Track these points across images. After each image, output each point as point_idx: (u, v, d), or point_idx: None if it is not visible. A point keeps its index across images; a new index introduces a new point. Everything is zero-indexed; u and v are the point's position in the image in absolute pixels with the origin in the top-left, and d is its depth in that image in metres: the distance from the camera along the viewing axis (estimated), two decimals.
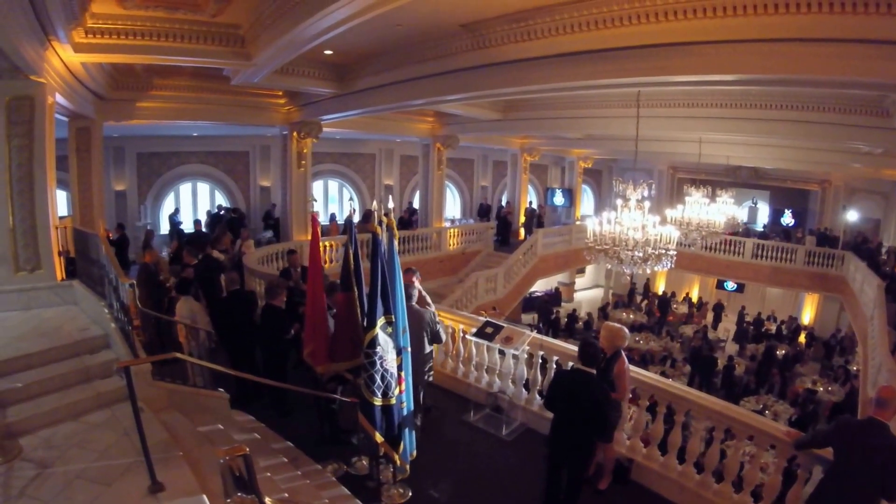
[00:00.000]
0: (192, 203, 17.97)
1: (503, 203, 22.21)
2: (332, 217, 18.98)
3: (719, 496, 4.87)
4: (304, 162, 13.76)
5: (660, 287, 23.07)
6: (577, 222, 21.01)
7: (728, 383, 14.72)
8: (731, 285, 22.00)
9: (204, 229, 14.45)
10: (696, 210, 11.39)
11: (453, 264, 16.55)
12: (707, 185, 13.07)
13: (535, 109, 13.07)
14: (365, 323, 4.46)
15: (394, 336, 4.44)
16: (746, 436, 4.90)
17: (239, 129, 15.06)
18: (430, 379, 6.08)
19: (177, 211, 16.47)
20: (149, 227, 13.88)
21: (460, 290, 13.93)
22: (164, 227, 16.09)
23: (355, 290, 4.86)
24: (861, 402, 10.70)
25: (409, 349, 4.65)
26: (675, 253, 7.40)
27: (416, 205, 19.45)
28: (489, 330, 6.47)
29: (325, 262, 11.59)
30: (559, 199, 23.71)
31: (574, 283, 24.02)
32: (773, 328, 19.19)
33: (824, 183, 20.31)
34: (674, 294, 22.23)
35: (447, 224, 18.56)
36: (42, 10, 5.12)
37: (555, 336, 14.57)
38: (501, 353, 6.53)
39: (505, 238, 18.87)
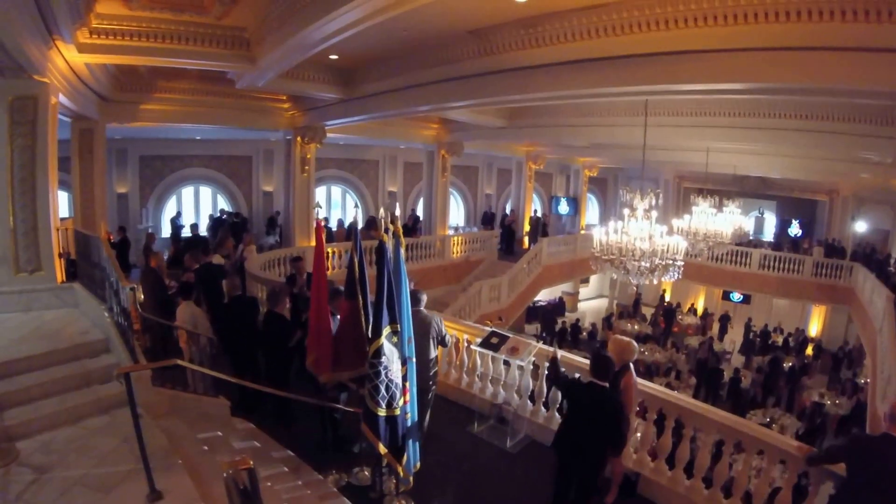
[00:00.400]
0: (194, 207, 17.95)
1: (507, 211, 22.13)
2: (340, 223, 18.93)
3: None
4: (307, 167, 13.73)
5: (666, 297, 22.89)
6: (583, 231, 20.92)
7: (734, 395, 14.56)
8: (737, 296, 21.85)
9: (205, 233, 14.44)
10: (703, 220, 11.30)
11: (456, 272, 16.45)
12: (713, 194, 12.99)
13: (541, 117, 13.00)
14: (370, 332, 4.38)
15: (399, 345, 4.36)
16: (757, 450, 4.80)
17: (242, 133, 15.06)
18: (435, 387, 5.97)
19: (179, 214, 16.46)
20: (150, 231, 13.83)
21: (463, 298, 13.83)
22: (167, 231, 16.08)
23: (360, 297, 4.78)
24: (869, 415, 10.57)
25: (415, 359, 4.56)
26: (682, 264, 7.31)
27: (419, 212, 19.38)
28: (494, 340, 6.36)
29: (329, 269, 11.51)
30: (564, 207, 23.53)
31: (578, 292, 23.91)
32: (780, 340, 19.00)
33: (832, 193, 20.14)
34: (679, 304, 22.07)
35: (451, 232, 18.48)
36: (46, 9, 5.09)
37: (559, 346, 14.43)
38: (506, 363, 6.43)
39: (509, 247, 18.76)
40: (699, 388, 14.81)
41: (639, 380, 5.19)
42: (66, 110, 8.45)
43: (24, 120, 6.06)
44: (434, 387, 5.88)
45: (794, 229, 21.52)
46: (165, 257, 11.35)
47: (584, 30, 6.12)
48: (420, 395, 4.96)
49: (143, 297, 5.34)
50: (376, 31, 6.33)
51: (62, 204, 10.61)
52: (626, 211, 7.41)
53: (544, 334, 18.34)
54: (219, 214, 16.91)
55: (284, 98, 12.68)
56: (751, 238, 16.55)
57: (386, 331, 4.24)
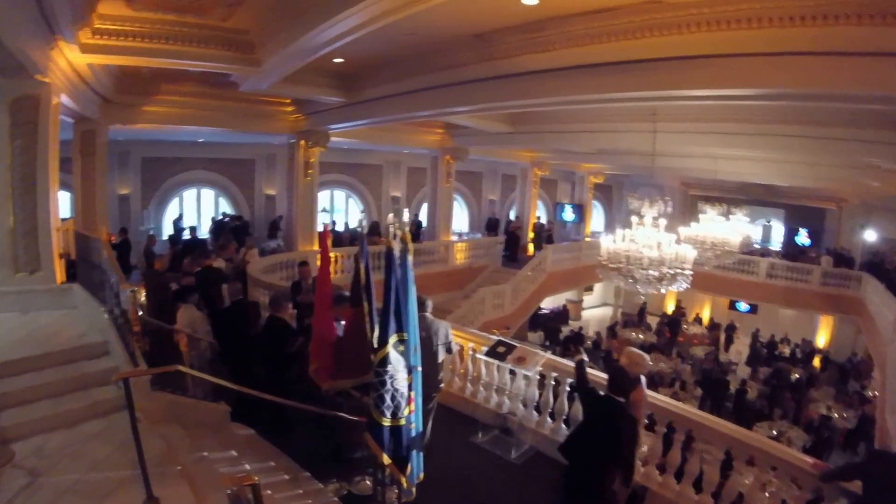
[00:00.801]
0: (196, 209, 17.89)
1: (512, 217, 22.02)
2: (347, 227, 18.91)
3: None
4: (311, 171, 13.64)
5: (669, 306, 22.75)
6: (588, 238, 20.79)
7: (740, 407, 14.36)
8: (743, 306, 21.64)
9: (205, 236, 14.37)
10: (710, 228, 11.18)
11: (459, 279, 16.33)
12: (720, 202, 12.88)
13: (546, 123, 12.91)
14: (376, 340, 4.27)
15: (405, 354, 4.25)
16: (769, 466, 4.67)
17: (245, 136, 15.01)
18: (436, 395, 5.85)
19: (180, 217, 16.41)
20: (151, 233, 13.78)
21: (466, 305, 13.73)
22: (168, 233, 16.03)
23: (365, 304, 4.68)
24: (878, 428, 10.41)
25: (420, 368, 4.45)
26: (691, 273, 7.20)
27: (422, 217, 19.31)
28: (501, 349, 6.24)
29: (333, 273, 11.42)
30: (569, 214, 23.39)
31: (582, 300, 23.75)
32: (787, 351, 18.78)
33: (841, 201, 19.90)
34: (684, 314, 21.88)
35: (454, 238, 18.38)
36: (48, 8, 5.04)
37: (563, 356, 14.30)
38: (511, 372, 6.31)
39: (513, 253, 18.64)
40: (704, 400, 14.62)
41: (648, 391, 5.09)
42: (67, 111, 8.39)
43: (25, 120, 5.99)
44: (436, 395, 5.78)
45: (802, 238, 21.27)
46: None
47: (589, 35, 6.04)
48: (423, 402, 4.86)
49: (144, 299, 5.27)
50: (380, 36, 6.24)
51: (63, 205, 10.57)
52: (634, 218, 7.31)
53: (547, 342, 18.18)
54: (220, 217, 16.86)
55: (288, 102, 12.61)
56: (757, 246, 16.32)
57: (393, 339, 4.13)
